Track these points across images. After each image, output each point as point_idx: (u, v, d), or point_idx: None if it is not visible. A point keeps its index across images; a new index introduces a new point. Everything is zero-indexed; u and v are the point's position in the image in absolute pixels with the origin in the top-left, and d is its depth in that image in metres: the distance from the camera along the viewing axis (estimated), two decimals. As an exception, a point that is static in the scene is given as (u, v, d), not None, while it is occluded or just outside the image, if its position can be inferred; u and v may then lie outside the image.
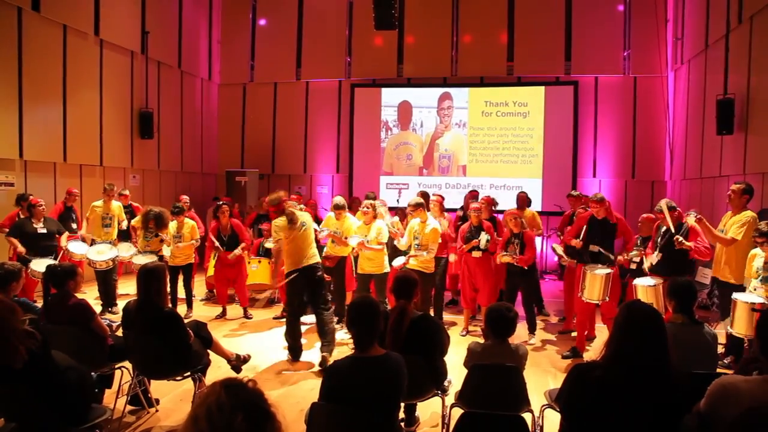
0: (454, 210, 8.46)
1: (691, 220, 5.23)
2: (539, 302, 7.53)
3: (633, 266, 5.96)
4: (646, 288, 5.01)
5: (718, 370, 3.26)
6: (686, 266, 5.38)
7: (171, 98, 11.40)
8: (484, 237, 6.24)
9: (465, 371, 3.45)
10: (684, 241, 5.02)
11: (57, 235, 6.90)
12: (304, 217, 5.62)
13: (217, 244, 7.03)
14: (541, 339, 6.40)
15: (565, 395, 2.35)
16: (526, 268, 6.09)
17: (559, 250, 6.24)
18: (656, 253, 5.36)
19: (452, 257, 7.10)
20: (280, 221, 5.45)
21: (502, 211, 7.34)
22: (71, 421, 3.00)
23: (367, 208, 6.34)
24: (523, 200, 7.89)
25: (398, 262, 6.40)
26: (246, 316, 7.17)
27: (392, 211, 7.52)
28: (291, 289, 5.50)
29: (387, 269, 6.27)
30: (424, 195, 7.34)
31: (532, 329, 6.30)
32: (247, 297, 7.29)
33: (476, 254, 6.33)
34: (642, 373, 2.15)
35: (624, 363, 2.17)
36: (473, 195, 8.41)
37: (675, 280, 3.54)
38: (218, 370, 4.63)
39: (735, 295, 4.60)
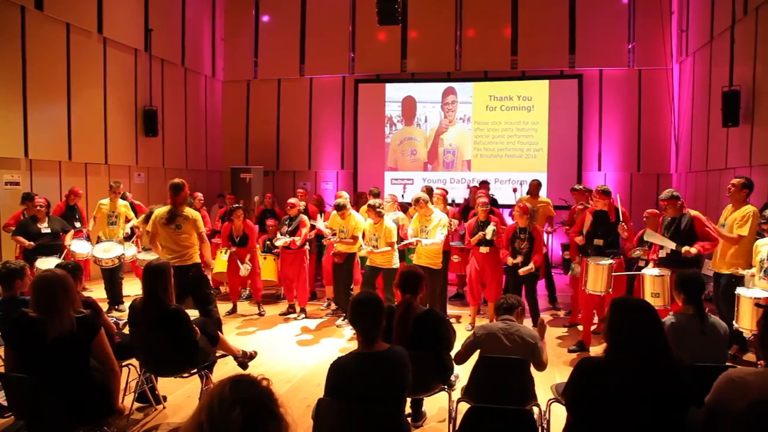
0: (459, 204, 8.44)
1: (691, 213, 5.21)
2: (552, 293, 7.68)
3: (641, 263, 5.91)
4: (653, 278, 5.00)
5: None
6: (692, 258, 5.35)
7: (175, 96, 11.41)
8: (490, 228, 6.21)
9: (471, 365, 3.44)
10: (690, 249, 5.00)
11: (62, 234, 6.93)
12: (194, 225, 5.24)
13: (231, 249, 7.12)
14: (548, 333, 6.36)
15: (571, 389, 2.34)
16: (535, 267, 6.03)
17: (577, 269, 6.16)
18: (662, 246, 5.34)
19: (455, 258, 7.08)
20: (161, 213, 5.18)
21: (506, 206, 7.30)
22: (81, 418, 3.01)
23: (378, 206, 6.20)
24: (536, 188, 7.99)
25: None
26: (260, 312, 7.20)
27: (399, 207, 7.50)
28: None
29: (396, 265, 6.18)
30: (429, 190, 7.32)
31: (536, 324, 6.26)
32: (260, 292, 7.32)
33: (484, 249, 6.29)
34: (641, 364, 2.16)
35: (622, 356, 2.20)
36: (484, 187, 8.37)
37: (682, 272, 3.54)
38: (225, 366, 4.64)
39: (739, 290, 4.59)
